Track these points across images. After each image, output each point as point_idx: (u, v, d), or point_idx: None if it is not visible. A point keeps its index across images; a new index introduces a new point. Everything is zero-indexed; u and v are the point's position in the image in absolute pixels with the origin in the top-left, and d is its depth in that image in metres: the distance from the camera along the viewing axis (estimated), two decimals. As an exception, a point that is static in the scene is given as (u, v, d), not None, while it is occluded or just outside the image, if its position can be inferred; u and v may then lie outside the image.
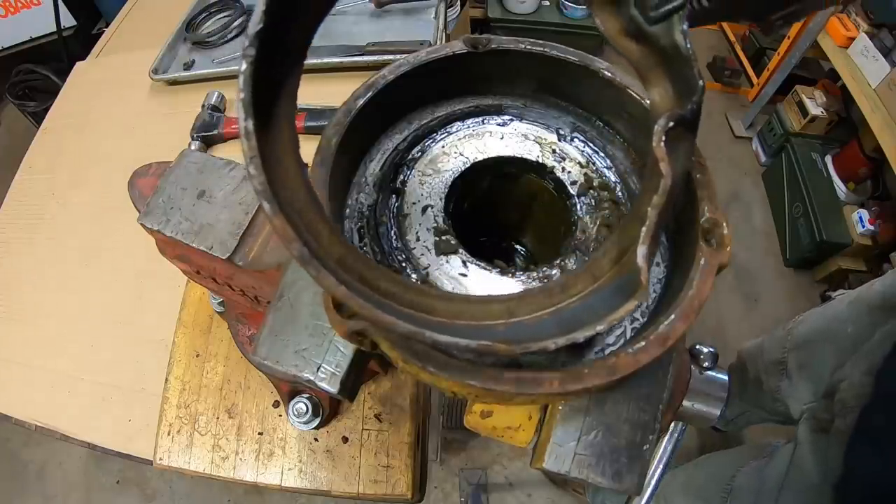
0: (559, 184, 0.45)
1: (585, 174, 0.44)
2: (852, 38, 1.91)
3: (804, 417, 0.89)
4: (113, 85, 1.25)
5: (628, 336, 0.37)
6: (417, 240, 0.41)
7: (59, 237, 1.02)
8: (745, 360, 1.23)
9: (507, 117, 0.47)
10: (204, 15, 1.31)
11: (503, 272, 0.40)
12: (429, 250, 0.40)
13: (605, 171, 0.45)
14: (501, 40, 0.43)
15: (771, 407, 1.10)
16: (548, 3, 2.67)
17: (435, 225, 0.41)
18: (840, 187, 2.12)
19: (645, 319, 0.38)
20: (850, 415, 0.76)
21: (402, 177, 0.43)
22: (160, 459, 0.74)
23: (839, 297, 1.04)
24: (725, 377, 0.49)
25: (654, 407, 0.41)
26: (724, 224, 0.34)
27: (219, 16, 1.32)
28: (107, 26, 1.65)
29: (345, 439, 0.72)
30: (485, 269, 0.40)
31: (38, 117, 1.87)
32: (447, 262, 0.40)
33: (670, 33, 0.28)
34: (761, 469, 0.93)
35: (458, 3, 2.39)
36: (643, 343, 0.31)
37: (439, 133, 0.46)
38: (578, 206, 0.43)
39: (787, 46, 2.26)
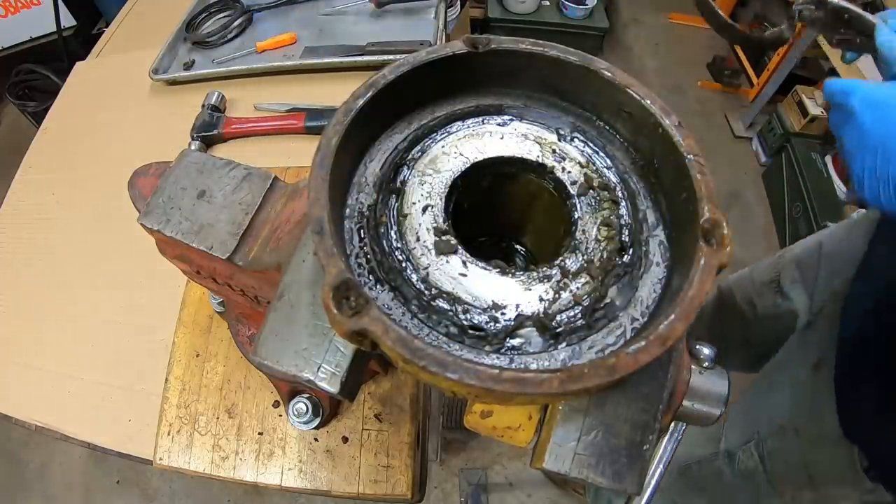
0: (559, 184, 0.45)
1: (585, 174, 0.44)
2: (852, 38, 1.90)
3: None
4: (113, 85, 1.25)
5: (628, 336, 0.37)
6: (417, 240, 0.41)
7: (59, 237, 1.02)
8: (732, 288, 1.21)
9: (507, 117, 0.47)
10: (204, 15, 1.31)
11: (503, 272, 0.40)
12: (429, 250, 0.40)
13: (605, 171, 0.45)
14: (501, 40, 0.43)
15: (757, 337, 1.10)
16: (548, 3, 2.68)
17: (435, 225, 0.41)
18: (840, 187, 2.11)
19: (645, 319, 0.38)
20: (838, 301, 0.78)
21: (402, 177, 0.43)
22: (160, 459, 0.74)
23: (836, 224, 1.05)
24: (725, 377, 0.49)
25: (654, 407, 0.41)
26: (724, 224, 0.34)
27: (219, 16, 1.32)
28: (107, 26, 1.65)
29: (345, 439, 0.72)
30: (484, 269, 0.40)
31: (38, 117, 1.88)
32: (447, 262, 0.40)
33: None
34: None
35: (458, 3, 2.39)
36: (643, 343, 0.31)
37: (439, 133, 0.46)
38: (578, 206, 0.43)
39: (787, 46, 2.26)
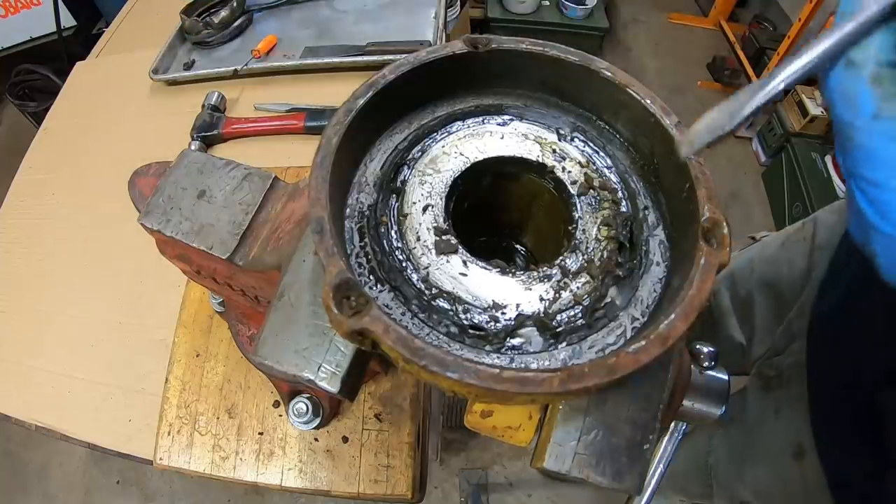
0: (559, 184, 0.45)
1: (585, 174, 0.44)
2: (852, 38, 1.91)
3: (753, 373, 0.88)
4: (113, 85, 1.25)
5: (628, 335, 0.37)
6: (418, 239, 0.41)
7: (59, 237, 1.02)
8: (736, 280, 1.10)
9: (507, 117, 0.47)
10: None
11: (503, 272, 0.40)
12: (429, 250, 0.40)
13: (606, 170, 0.45)
14: (501, 40, 0.43)
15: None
16: (548, 3, 2.68)
17: (435, 225, 0.41)
18: (840, 187, 2.12)
19: (645, 319, 0.38)
20: (801, 370, 0.74)
21: (402, 177, 0.43)
22: (160, 459, 0.74)
23: (766, 238, 1.01)
24: (725, 377, 0.49)
25: (655, 407, 0.41)
26: (724, 224, 0.34)
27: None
28: (107, 26, 1.65)
29: (345, 439, 0.72)
30: (485, 268, 0.40)
31: (38, 117, 1.88)
32: (447, 261, 0.40)
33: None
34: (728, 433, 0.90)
35: (458, 3, 2.39)
36: (643, 343, 0.31)
37: (439, 133, 0.46)
38: (578, 206, 0.43)
39: (787, 46, 2.26)
